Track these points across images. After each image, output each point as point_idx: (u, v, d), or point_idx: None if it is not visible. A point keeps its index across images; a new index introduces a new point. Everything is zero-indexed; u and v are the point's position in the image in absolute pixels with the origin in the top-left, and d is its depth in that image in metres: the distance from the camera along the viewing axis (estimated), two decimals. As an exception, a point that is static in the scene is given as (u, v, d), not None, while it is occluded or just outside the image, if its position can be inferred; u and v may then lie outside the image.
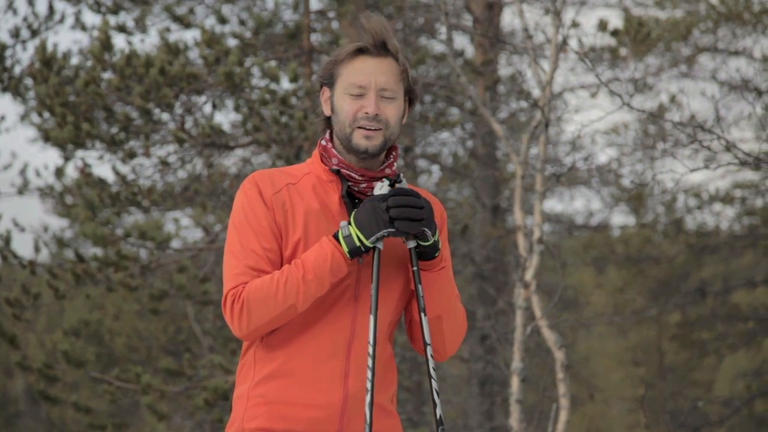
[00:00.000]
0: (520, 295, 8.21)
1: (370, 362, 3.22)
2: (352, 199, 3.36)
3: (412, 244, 3.29)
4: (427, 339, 3.33)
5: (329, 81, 3.38)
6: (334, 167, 3.35)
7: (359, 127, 3.31)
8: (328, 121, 3.42)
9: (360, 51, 3.34)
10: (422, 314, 3.31)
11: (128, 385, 11.73)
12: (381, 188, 3.25)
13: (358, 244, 3.20)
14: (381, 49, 3.34)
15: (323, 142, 3.41)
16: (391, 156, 3.41)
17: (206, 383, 11.33)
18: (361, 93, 3.32)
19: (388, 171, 3.38)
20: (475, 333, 14.81)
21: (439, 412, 3.30)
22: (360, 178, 3.34)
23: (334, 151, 3.37)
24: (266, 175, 3.38)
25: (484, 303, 14.97)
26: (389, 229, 3.19)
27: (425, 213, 3.22)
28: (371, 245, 3.21)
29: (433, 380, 3.32)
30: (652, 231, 21.80)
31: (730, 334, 20.31)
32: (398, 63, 3.36)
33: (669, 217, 21.29)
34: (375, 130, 3.31)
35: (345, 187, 3.33)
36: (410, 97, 3.42)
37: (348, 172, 3.34)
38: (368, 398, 3.21)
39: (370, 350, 3.22)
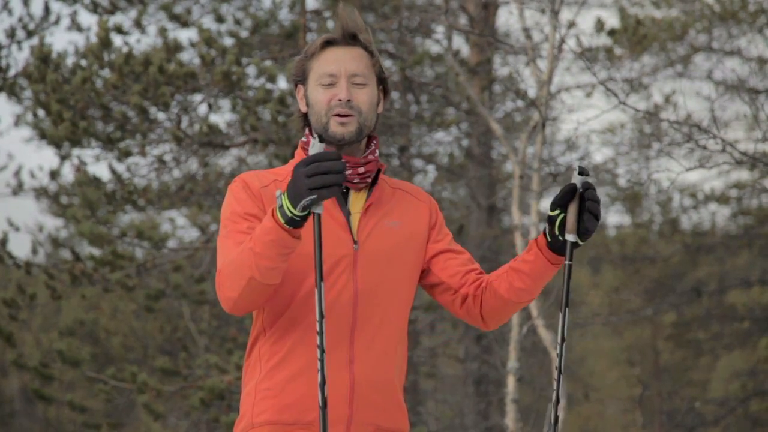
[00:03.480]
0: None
1: (318, 340, 3.15)
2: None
3: (571, 238, 3.24)
4: (565, 335, 3.30)
5: (302, 78, 3.44)
6: None
7: (334, 115, 3.35)
8: (305, 118, 3.47)
9: (328, 43, 3.41)
10: (566, 309, 3.30)
11: (124, 384, 11.72)
12: (313, 146, 3.11)
13: (289, 215, 3.10)
14: (349, 38, 3.40)
15: (304, 138, 3.46)
16: (373, 144, 3.45)
17: (202, 383, 11.33)
18: (332, 82, 3.37)
19: (371, 158, 3.41)
20: (471, 332, 14.81)
21: (556, 413, 3.29)
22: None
23: None
24: (252, 174, 3.42)
25: (480, 303, 14.95)
26: (311, 197, 3.06)
27: (341, 177, 3.07)
28: (301, 213, 3.10)
29: (559, 383, 3.30)
30: (647, 231, 21.82)
31: (726, 333, 20.34)
32: (368, 52, 3.41)
33: (664, 217, 21.31)
34: (349, 116, 3.34)
35: None
36: (384, 87, 3.47)
37: None
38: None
39: (318, 327, 3.15)
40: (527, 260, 3.35)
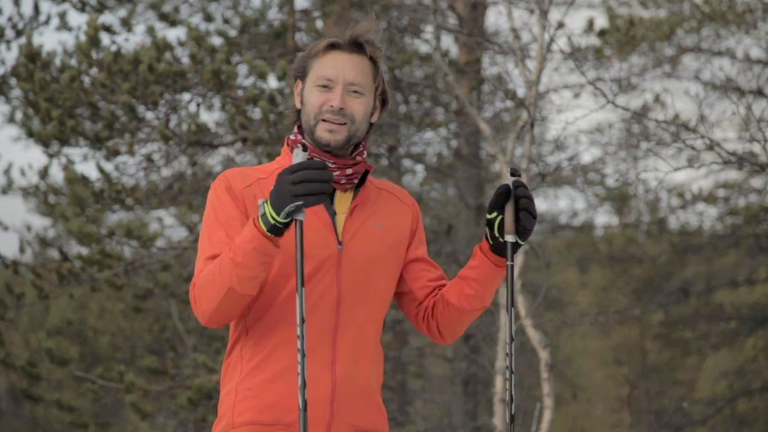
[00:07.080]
0: (504, 295, 8.22)
1: (299, 344, 3.14)
2: None
3: (511, 238, 3.28)
4: (513, 335, 3.38)
5: (302, 74, 3.41)
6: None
7: (323, 120, 3.32)
8: (298, 114, 3.44)
9: (332, 46, 3.37)
10: (512, 310, 3.33)
11: (111, 383, 11.70)
12: (296, 155, 3.13)
13: (272, 222, 3.10)
14: (354, 46, 3.36)
15: (291, 136, 3.44)
16: (361, 145, 3.42)
17: (190, 382, 11.32)
18: (328, 85, 3.34)
19: (359, 159, 3.39)
20: (459, 332, 14.80)
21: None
22: (332, 165, 3.35)
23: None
24: (236, 171, 3.40)
25: (469, 302, 14.96)
26: (297, 203, 3.07)
27: (328, 186, 3.08)
28: (284, 220, 3.11)
29: (512, 382, 3.38)
30: (635, 230, 21.86)
31: (713, 333, 20.37)
32: (372, 62, 3.38)
33: (652, 217, 21.35)
34: (339, 124, 3.33)
35: None
36: (383, 98, 3.44)
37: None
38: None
39: (298, 331, 3.14)
40: (473, 266, 3.39)
